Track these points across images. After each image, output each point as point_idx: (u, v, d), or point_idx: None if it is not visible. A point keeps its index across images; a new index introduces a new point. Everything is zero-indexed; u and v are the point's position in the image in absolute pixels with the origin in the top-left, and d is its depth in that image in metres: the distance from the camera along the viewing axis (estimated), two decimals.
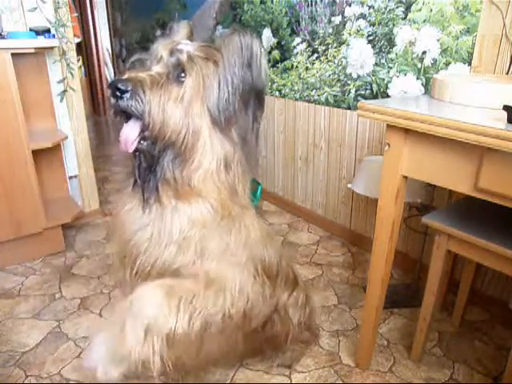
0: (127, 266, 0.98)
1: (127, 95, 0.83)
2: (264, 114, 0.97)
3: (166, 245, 0.92)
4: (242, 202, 0.97)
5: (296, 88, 2.31)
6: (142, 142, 0.88)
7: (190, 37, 1.04)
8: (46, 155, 2.12)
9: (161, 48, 0.97)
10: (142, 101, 0.84)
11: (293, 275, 1.28)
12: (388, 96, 1.84)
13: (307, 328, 1.36)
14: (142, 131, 0.87)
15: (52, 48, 2.05)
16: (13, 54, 1.74)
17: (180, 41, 0.98)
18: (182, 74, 0.88)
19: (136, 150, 0.89)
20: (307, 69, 2.21)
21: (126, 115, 0.88)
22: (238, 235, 0.97)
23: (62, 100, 2.20)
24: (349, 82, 2.00)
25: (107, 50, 5.48)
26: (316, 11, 2.08)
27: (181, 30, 1.05)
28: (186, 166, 0.89)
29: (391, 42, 1.77)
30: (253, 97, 0.93)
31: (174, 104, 0.86)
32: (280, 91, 2.43)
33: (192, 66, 0.89)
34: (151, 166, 0.90)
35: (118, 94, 0.83)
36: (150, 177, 0.90)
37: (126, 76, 0.87)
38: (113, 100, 0.86)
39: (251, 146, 0.96)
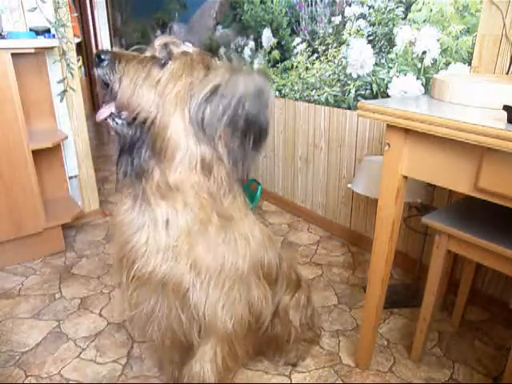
0: (125, 268, 0.97)
1: (104, 63, 0.84)
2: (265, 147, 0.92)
3: (161, 252, 0.91)
4: (231, 212, 0.93)
5: (296, 88, 2.31)
6: (116, 120, 0.86)
7: None
8: (46, 155, 2.12)
9: (158, 39, 0.96)
10: (115, 70, 0.83)
11: (295, 277, 1.27)
12: (388, 96, 1.84)
13: (309, 328, 1.36)
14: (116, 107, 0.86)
15: (52, 48, 2.05)
16: (13, 54, 1.74)
17: (179, 40, 0.98)
18: (169, 62, 0.87)
19: (114, 131, 0.87)
20: (307, 69, 2.21)
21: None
22: (234, 245, 0.94)
23: (62, 100, 2.20)
24: (349, 82, 2.00)
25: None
26: (316, 11, 2.08)
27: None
28: (161, 158, 0.85)
29: (391, 42, 1.77)
30: (253, 131, 0.91)
31: (147, 82, 0.84)
32: (280, 91, 2.43)
33: (181, 57, 0.89)
34: (130, 153, 0.87)
35: (97, 61, 0.84)
36: (128, 166, 0.88)
37: (109, 52, 0.86)
38: (94, 69, 0.86)
39: (243, 167, 0.90)
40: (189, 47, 0.96)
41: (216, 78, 0.86)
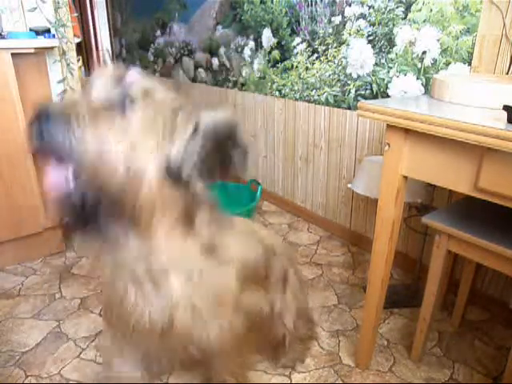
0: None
1: (50, 123, 0.64)
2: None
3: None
4: (213, 241, 0.86)
5: (296, 88, 2.31)
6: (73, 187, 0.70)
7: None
8: None
9: (97, 77, 0.74)
10: (70, 127, 0.65)
11: (285, 276, 1.25)
12: (388, 96, 1.84)
13: (302, 326, 1.35)
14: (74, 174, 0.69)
15: (52, 48, 2.05)
16: (13, 54, 1.74)
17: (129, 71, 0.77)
18: (130, 105, 0.70)
19: (66, 202, 0.71)
20: (307, 69, 2.21)
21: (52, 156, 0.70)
22: (221, 272, 0.89)
23: (62, 100, 2.20)
24: (349, 81, 2.00)
25: (107, 50, 5.48)
26: (316, 11, 2.08)
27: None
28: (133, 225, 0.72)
29: (391, 42, 1.77)
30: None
31: (114, 137, 0.67)
32: (280, 91, 2.43)
33: (143, 97, 0.72)
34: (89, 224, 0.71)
35: (40, 122, 0.64)
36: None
37: (53, 108, 0.66)
38: (37, 138, 0.65)
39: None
40: (135, 74, 0.76)
41: (190, 117, 0.75)
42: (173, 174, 0.71)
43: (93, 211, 0.69)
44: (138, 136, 0.69)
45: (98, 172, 0.66)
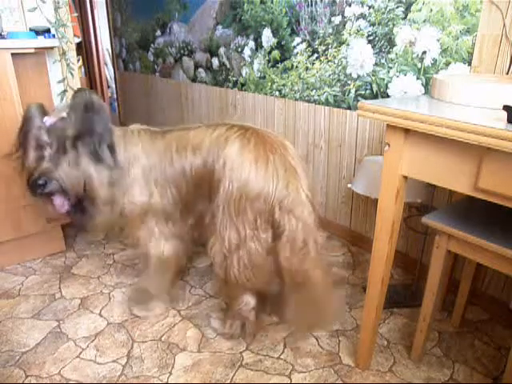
0: None
1: (48, 185, 1.29)
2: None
3: None
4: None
5: (296, 88, 2.31)
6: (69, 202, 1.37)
7: (44, 111, 1.35)
8: None
9: (37, 131, 1.30)
10: (58, 181, 1.29)
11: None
12: (388, 96, 1.84)
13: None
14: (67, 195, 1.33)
15: (52, 48, 2.05)
16: (13, 54, 1.74)
17: (44, 120, 1.30)
18: (62, 145, 1.28)
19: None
20: (307, 69, 2.21)
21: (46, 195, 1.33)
22: None
23: (62, 100, 2.20)
24: (349, 81, 2.00)
25: (107, 50, 5.48)
26: (316, 11, 2.08)
27: (34, 112, 1.34)
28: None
29: (391, 42, 1.77)
30: (101, 133, 1.30)
31: (74, 168, 1.30)
32: (280, 91, 2.43)
33: (65, 135, 1.26)
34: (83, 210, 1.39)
35: (41, 186, 1.29)
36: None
37: (38, 171, 1.29)
38: (38, 191, 1.30)
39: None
40: (51, 120, 1.31)
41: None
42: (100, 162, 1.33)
43: (82, 209, 1.39)
44: (80, 159, 1.31)
45: (77, 188, 1.33)
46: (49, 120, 1.29)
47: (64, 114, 1.30)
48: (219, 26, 2.80)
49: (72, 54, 2.18)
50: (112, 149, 1.34)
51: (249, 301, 1.46)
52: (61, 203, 1.37)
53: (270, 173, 1.22)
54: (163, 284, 1.62)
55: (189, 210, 1.46)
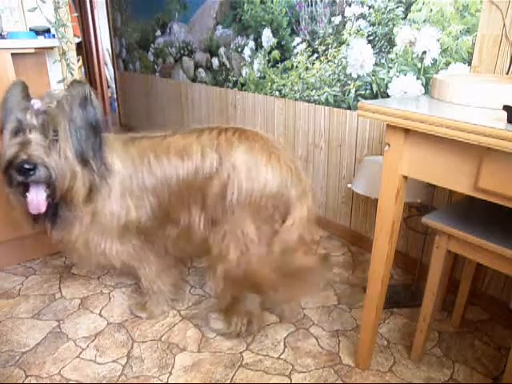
0: None
1: (36, 170, 1.11)
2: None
3: None
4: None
5: (296, 88, 2.31)
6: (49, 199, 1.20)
7: (27, 91, 1.21)
8: None
9: (22, 113, 1.14)
10: (48, 169, 1.12)
11: None
12: (388, 96, 1.84)
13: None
14: (49, 190, 1.18)
15: (52, 48, 2.05)
16: (13, 54, 1.74)
17: (32, 102, 1.16)
18: (52, 133, 1.14)
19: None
20: (307, 69, 2.21)
21: (24, 185, 1.16)
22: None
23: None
24: (349, 81, 2.00)
25: (107, 50, 5.48)
26: (316, 11, 2.08)
27: (16, 90, 1.19)
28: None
29: (391, 42, 1.77)
30: (93, 131, 1.20)
31: (64, 159, 1.15)
32: (280, 91, 2.43)
33: (56, 123, 1.14)
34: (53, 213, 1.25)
35: (27, 171, 1.10)
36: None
37: (26, 154, 1.11)
38: (21, 177, 1.12)
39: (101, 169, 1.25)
40: (40, 104, 1.16)
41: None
42: (82, 160, 1.21)
43: (54, 214, 1.26)
44: (65, 153, 1.17)
45: (64, 183, 1.18)
46: (37, 104, 1.15)
47: (55, 103, 1.18)
48: (219, 26, 2.80)
49: (72, 54, 2.18)
50: (101, 149, 1.24)
51: (254, 296, 1.47)
52: (40, 200, 1.18)
53: (284, 169, 1.29)
54: (162, 288, 1.60)
55: (171, 221, 1.39)
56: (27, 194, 1.18)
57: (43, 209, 1.19)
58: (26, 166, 1.10)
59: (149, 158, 1.32)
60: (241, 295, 1.46)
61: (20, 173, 1.11)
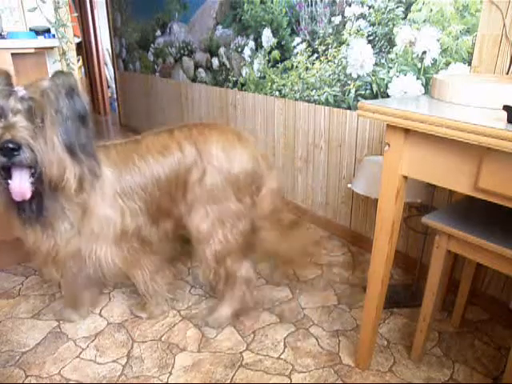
0: None
1: (20, 151, 1.04)
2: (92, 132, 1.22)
3: None
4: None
5: (296, 88, 2.31)
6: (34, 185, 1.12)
7: (10, 80, 1.16)
8: None
9: (4, 99, 1.08)
10: (33, 152, 1.06)
11: None
12: (388, 96, 1.84)
13: None
14: (34, 177, 1.10)
15: (52, 48, 2.05)
16: (13, 54, 1.74)
17: (16, 89, 1.11)
18: (38, 120, 1.09)
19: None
20: (307, 69, 2.21)
21: (8, 169, 1.09)
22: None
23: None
24: (349, 81, 2.00)
25: (107, 50, 5.48)
26: (316, 11, 2.08)
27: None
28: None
29: (391, 42, 1.77)
30: (81, 122, 1.16)
31: (51, 146, 1.09)
32: (280, 91, 2.43)
33: (43, 110, 1.09)
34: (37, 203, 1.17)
35: (11, 151, 1.03)
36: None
37: (11, 135, 1.04)
38: (4, 159, 1.04)
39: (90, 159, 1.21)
40: (23, 91, 1.10)
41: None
42: (71, 151, 1.15)
43: (39, 204, 1.17)
44: (52, 140, 1.10)
45: (52, 170, 1.11)
46: (22, 91, 1.11)
47: (40, 92, 1.12)
48: (219, 26, 2.80)
49: (72, 54, 2.18)
50: (90, 142, 1.21)
51: (247, 265, 1.56)
52: (24, 185, 1.09)
53: (253, 149, 1.47)
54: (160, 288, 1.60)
55: (164, 214, 1.45)
56: (10, 180, 1.10)
57: (28, 195, 1.11)
58: (10, 146, 1.03)
59: (133, 160, 1.35)
60: (233, 267, 1.54)
61: (3, 153, 1.04)
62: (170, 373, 1.37)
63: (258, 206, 1.50)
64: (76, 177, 1.17)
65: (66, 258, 1.33)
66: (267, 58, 2.46)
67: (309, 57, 2.18)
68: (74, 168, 1.16)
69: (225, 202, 1.41)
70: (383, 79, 1.84)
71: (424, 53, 1.66)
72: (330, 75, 2.09)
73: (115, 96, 5.03)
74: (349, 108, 2.04)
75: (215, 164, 1.39)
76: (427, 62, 1.66)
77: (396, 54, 1.76)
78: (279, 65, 2.39)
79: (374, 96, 1.90)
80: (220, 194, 1.40)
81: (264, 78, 2.52)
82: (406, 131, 1.02)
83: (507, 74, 1.42)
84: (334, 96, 2.09)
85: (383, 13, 1.77)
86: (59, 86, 1.13)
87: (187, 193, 1.42)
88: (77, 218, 1.27)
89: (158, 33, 3.59)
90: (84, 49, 5.45)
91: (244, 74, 2.68)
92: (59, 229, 1.26)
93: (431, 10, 1.60)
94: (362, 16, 1.86)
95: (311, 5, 2.10)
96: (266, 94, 2.54)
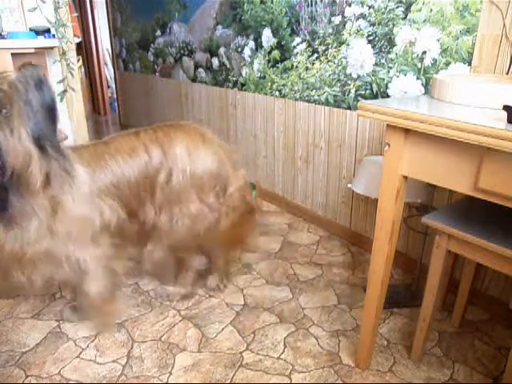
0: None
1: None
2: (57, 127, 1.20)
3: None
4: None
5: (296, 88, 2.31)
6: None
7: None
8: None
9: None
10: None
11: None
12: (388, 96, 1.84)
13: None
14: None
15: (52, 48, 2.05)
16: (13, 54, 1.74)
17: None
18: (5, 110, 1.05)
19: None
20: (307, 69, 2.21)
21: None
22: None
23: (61, 100, 2.20)
24: (349, 81, 2.00)
25: (107, 50, 5.48)
26: (316, 11, 2.08)
27: None
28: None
29: (391, 42, 1.77)
30: (50, 115, 1.13)
31: (17, 137, 1.05)
32: (280, 91, 2.43)
33: (10, 100, 1.06)
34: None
35: None
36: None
37: None
38: None
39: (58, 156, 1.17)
40: None
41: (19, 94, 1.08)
42: (40, 144, 1.11)
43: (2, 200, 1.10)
44: (19, 133, 1.06)
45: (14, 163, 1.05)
46: None
47: (7, 84, 1.09)
48: (219, 26, 2.80)
49: (72, 54, 2.18)
50: (55, 136, 1.17)
51: (199, 258, 1.75)
52: None
53: (218, 149, 1.53)
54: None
55: (132, 216, 1.44)
56: None
57: None
58: None
59: (105, 159, 1.36)
60: (189, 259, 1.70)
61: None
62: (170, 373, 1.37)
63: (224, 204, 1.56)
64: (42, 171, 1.12)
65: (35, 260, 1.24)
66: (267, 57, 2.46)
67: (309, 57, 2.18)
68: (41, 162, 1.11)
69: (187, 202, 1.47)
70: (383, 79, 1.84)
71: (424, 53, 1.66)
72: (330, 75, 2.09)
73: (115, 96, 5.03)
74: (349, 108, 2.04)
75: (179, 165, 1.43)
76: (427, 62, 1.66)
77: (396, 54, 1.76)
78: (279, 65, 2.39)
79: (374, 96, 1.90)
80: (184, 194, 1.45)
81: (264, 77, 2.52)
82: (406, 131, 1.02)
83: (507, 73, 1.42)
84: (334, 96, 2.09)
85: (383, 13, 1.77)
86: (27, 77, 1.10)
87: (155, 194, 1.45)
88: (47, 217, 1.20)
89: (158, 33, 3.59)
90: (84, 49, 5.44)
91: (244, 74, 2.68)
92: (27, 227, 1.18)
93: (431, 10, 1.60)
94: (362, 16, 1.86)
95: (311, 5, 2.10)
96: (266, 94, 2.54)
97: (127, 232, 1.45)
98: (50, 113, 1.14)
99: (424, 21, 1.63)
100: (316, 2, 2.07)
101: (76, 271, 1.33)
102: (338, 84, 2.05)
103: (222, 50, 2.84)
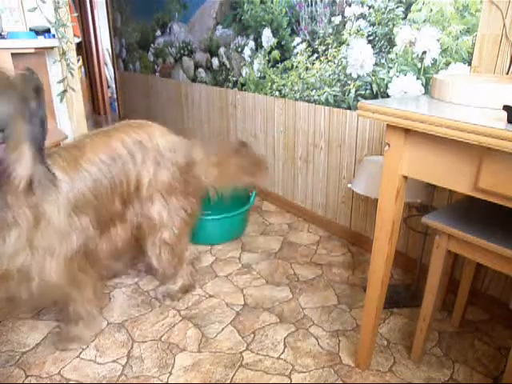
0: None
1: None
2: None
3: None
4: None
5: (296, 88, 2.31)
6: None
7: None
8: None
9: None
10: None
11: None
12: (388, 96, 1.84)
13: None
14: None
15: (52, 48, 2.05)
16: (13, 54, 1.74)
17: None
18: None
19: None
20: (307, 69, 2.21)
21: None
22: None
23: (61, 100, 2.20)
24: (349, 81, 2.00)
25: (107, 50, 5.48)
26: (316, 11, 2.08)
27: None
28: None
29: (391, 42, 1.77)
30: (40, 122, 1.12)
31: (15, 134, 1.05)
32: (280, 91, 2.43)
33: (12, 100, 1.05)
34: None
35: None
36: None
37: None
38: None
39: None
40: None
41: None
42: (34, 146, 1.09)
43: None
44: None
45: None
46: None
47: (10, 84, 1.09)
48: (219, 26, 2.80)
49: (72, 54, 2.19)
50: (40, 144, 1.13)
51: (191, 248, 1.83)
52: None
53: (188, 145, 1.63)
54: None
55: (117, 218, 1.43)
56: None
57: None
58: None
59: (81, 165, 1.29)
60: (184, 250, 1.75)
61: None
62: (170, 373, 1.37)
63: (198, 180, 1.65)
64: (27, 172, 1.07)
65: (9, 274, 1.14)
66: (267, 57, 2.46)
67: (309, 57, 2.18)
68: (30, 162, 1.07)
69: (175, 192, 1.54)
70: (383, 79, 1.84)
71: (424, 53, 1.66)
72: (330, 75, 2.09)
73: (115, 96, 5.03)
74: (349, 108, 2.04)
75: (167, 156, 1.51)
76: (427, 62, 1.66)
77: (396, 53, 1.76)
78: (279, 65, 2.39)
79: (374, 96, 1.90)
80: (172, 184, 1.53)
81: (264, 77, 2.52)
82: (406, 131, 1.02)
83: (507, 73, 1.42)
84: (334, 96, 2.09)
85: (383, 13, 1.77)
86: (29, 82, 1.12)
87: (142, 189, 1.47)
88: (29, 228, 1.12)
89: (158, 33, 3.59)
90: (84, 49, 5.44)
91: (244, 74, 2.68)
92: (5, 237, 1.09)
93: (431, 10, 1.60)
94: (362, 16, 1.86)
95: (311, 5, 2.10)
96: (266, 94, 2.54)
97: (96, 252, 1.38)
98: (42, 120, 1.13)
99: (424, 21, 1.63)
100: (316, 2, 2.07)
101: (42, 289, 1.23)
102: (338, 84, 2.05)
103: (221, 50, 2.84)
